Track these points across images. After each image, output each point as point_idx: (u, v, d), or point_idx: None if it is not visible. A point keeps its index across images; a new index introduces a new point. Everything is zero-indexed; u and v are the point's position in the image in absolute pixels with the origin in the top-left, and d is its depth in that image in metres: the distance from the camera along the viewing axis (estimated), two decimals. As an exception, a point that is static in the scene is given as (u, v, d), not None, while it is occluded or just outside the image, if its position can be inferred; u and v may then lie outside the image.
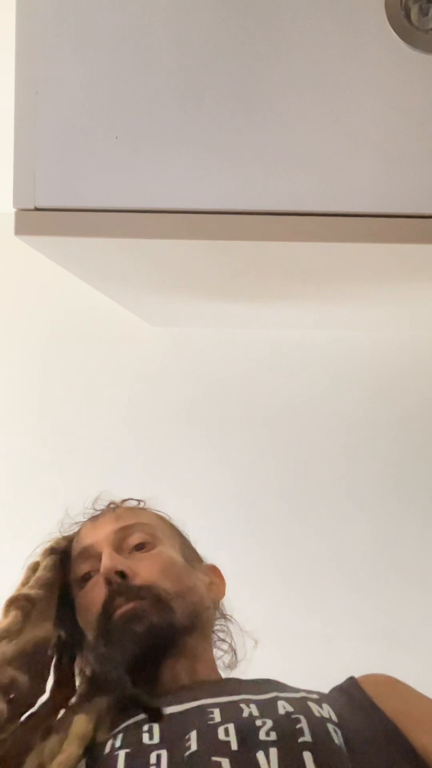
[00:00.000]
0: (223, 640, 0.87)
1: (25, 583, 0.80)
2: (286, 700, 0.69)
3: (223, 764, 0.60)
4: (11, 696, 0.69)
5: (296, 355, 1.37)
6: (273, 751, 0.61)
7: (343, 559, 1.32)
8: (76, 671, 0.83)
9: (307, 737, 0.63)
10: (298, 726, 0.64)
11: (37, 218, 0.75)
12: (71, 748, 0.64)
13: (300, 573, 1.31)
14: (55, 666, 0.80)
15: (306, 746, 0.62)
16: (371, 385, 1.36)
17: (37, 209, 0.75)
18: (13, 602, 0.75)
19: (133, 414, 1.38)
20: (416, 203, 0.73)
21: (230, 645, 0.88)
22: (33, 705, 0.74)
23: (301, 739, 0.63)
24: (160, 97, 0.74)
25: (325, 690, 0.78)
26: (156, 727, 0.66)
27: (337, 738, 0.65)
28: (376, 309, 1.18)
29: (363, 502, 1.34)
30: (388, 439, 1.35)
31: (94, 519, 0.87)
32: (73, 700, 0.79)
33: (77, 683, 0.82)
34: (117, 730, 0.68)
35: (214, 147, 0.74)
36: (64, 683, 0.80)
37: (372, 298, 1.09)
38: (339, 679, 0.79)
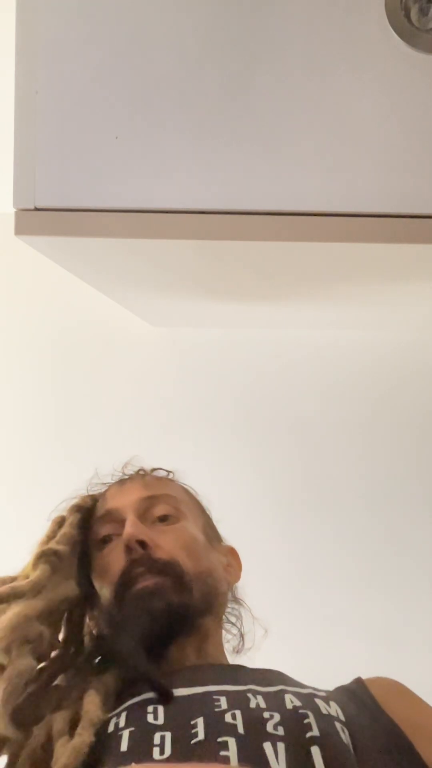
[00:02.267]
0: (233, 624, 0.87)
1: (51, 536, 0.80)
2: (294, 694, 0.69)
3: (230, 743, 0.60)
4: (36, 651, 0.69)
5: (297, 355, 1.37)
6: (281, 746, 0.61)
7: (347, 557, 1.32)
8: (85, 629, 0.82)
9: (315, 732, 0.63)
10: (306, 721, 0.64)
11: (37, 218, 0.75)
12: (85, 735, 0.63)
13: (301, 572, 1.31)
14: (66, 621, 0.80)
15: (314, 741, 0.62)
16: (372, 385, 1.36)
17: (37, 209, 0.75)
18: (42, 556, 0.75)
19: (133, 414, 1.38)
20: (416, 203, 0.73)
21: (239, 630, 0.87)
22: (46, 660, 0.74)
23: (308, 734, 0.62)
24: (160, 97, 0.74)
25: (328, 687, 0.77)
26: (160, 709, 0.66)
27: (345, 737, 0.65)
28: (377, 309, 1.18)
29: (364, 501, 1.33)
30: (390, 439, 1.35)
31: (121, 482, 0.87)
32: (80, 659, 0.78)
33: (86, 642, 0.81)
34: (121, 708, 0.68)
35: (215, 147, 0.74)
36: (72, 640, 0.80)
37: (372, 298, 1.09)
38: (339, 674, 0.79)
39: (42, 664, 0.73)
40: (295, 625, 1.23)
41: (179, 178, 0.74)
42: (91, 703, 0.67)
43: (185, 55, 0.74)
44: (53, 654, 0.76)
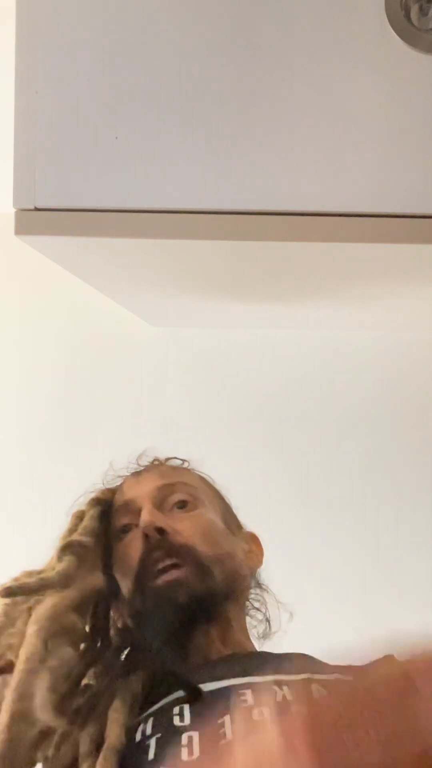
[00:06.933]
0: (258, 610, 0.87)
1: (72, 530, 0.80)
2: (320, 683, 0.68)
3: None
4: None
5: (296, 355, 1.37)
6: None
7: (345, 558, 1.32)
8: (111, 622, 0.81)
9: None
10: None
11: (37, 218, 0.75)
12: (107, 765, 0.63)
13: (298, 574, 1.31)
14: (92, 614, 0.79)
15: None
16: (371, 385, 1.36)
17: (37, 209, 0.75)
18: (67, 548, 0.75)
19: (132, 414, 1.38)
20: (416, 203, 0.73)
21: (265, 615, 0.87)
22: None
23: None
24: (159, 97, 0.74)
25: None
26: (186, 708, 0.66)
27: None
28: (377, 309, 1.18)
29: (364, 501, 1.34)
30: (390, 438, 1.35)
31: (136, 474, 0.87)
32: (108, 653, 0.77)
33: (112, 635, 0.80)
34: (147, 713, 0.68)
35: (214, 147, 0.74)
36: (98, 632, 0.79)
37: (372, 299, 1.09)
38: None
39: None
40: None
41: (179, 178, 0.74)
42: (115, 722, 0.67)
43: (185, 55, 0.74)
44: (82, 646, 0.75)
